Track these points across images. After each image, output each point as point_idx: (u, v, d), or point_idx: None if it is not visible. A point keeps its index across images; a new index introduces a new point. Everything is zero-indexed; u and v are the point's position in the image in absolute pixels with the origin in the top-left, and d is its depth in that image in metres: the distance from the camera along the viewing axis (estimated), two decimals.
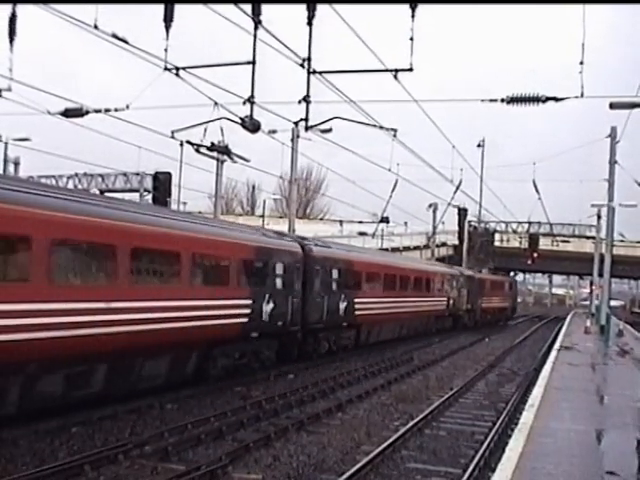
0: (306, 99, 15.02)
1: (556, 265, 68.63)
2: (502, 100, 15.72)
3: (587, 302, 69.97)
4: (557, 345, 27.53)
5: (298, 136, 27.68)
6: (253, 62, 14.40)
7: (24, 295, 10.99)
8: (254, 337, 18.46)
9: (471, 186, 51.85)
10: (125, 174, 33.85)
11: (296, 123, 18.42)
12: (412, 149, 23.73)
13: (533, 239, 55.48)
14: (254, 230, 20.82)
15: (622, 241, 58.14)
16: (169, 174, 26.68)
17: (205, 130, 19.93)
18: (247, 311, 17.82)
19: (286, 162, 29.66)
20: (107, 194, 27.15)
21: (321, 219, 76.82)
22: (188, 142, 20.29)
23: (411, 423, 13.77)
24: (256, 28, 13.73)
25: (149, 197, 30.21)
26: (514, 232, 62.75)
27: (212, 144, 20.74)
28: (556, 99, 15.69)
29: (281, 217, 60.36)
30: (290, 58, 14.54)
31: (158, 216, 15.21)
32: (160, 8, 13.35)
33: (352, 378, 19.93)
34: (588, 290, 69.95)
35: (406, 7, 13.32)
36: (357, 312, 25.27)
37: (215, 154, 22.45)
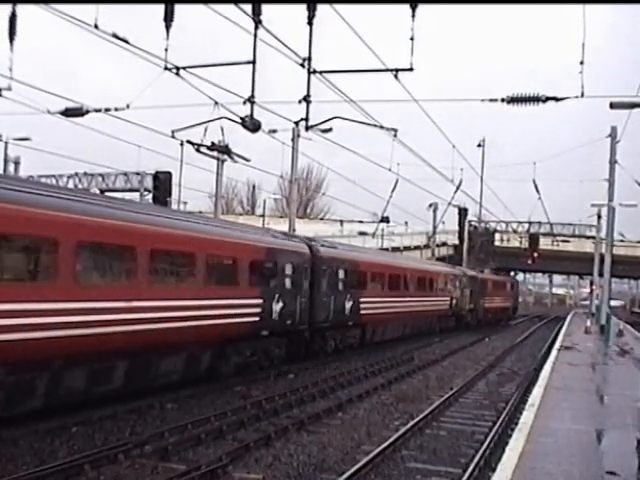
0: (306, 99, 15.02)
1: (556, 265, 68.65)
2: (502, 100, 15.71)
3: (587, 302, 69.95)
4: (557, 345, 27.54)
5: (298, 136, 27.68)
6: (253, 62, 14.39)
7: (52, 295, 11.50)
8: (264, 336, 18.96)
9: (471, 186, 51.98)
10: (125, 174, 33.81)
11: (296, 123, 18.41)
12: (412, 149, 23.75)
13: (533, 239, 55.48)
14: (264, 231, 21.47)
15: (622, 241, 58.14)
16: (169, 174, 26.69)
17: (205, 130, 19.95)
18: (258, 310, 18.35)
19: (286, 162, 29.70)
20: (108, 194, 27.19)
21: (321, 219, 76.82)
22: (188, 142, 20.30)
23: (411, 423, 13.77)
24: (256, 28, 13.73)
25: (149, 197, 30.20)
26: (514, 232, 62.74)
27: (212, 144, 20.74)
28: (556, 99, 15.69)
29: (281, 217, 60.35)
30: (290, 58, 14.54)
31: (175, 219, 15.76)
32: (160, 8, 13.36)
33: (352, 378, 19.93)
34: (588, 290, 69.96)
35: (406, 7, 13.32)
36: (362, 311, 25.70)
37: (215, 154, 22.45)
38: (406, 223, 58.04)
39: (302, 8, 13.78)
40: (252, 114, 15.40)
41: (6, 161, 32.85)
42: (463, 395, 18.35)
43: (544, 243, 57.35)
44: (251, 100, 14.92)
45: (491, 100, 16.24)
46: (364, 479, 10.32)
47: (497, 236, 62.56)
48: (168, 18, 13.31)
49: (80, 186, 34.03)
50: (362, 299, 25.64)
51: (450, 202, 47.73)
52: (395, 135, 20.95)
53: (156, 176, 26.91)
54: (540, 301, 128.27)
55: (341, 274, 24.14)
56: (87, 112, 19.92)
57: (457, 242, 56.20)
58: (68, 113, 20.05)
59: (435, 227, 52.73)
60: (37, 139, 30.92)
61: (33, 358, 11.26)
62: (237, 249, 17.50)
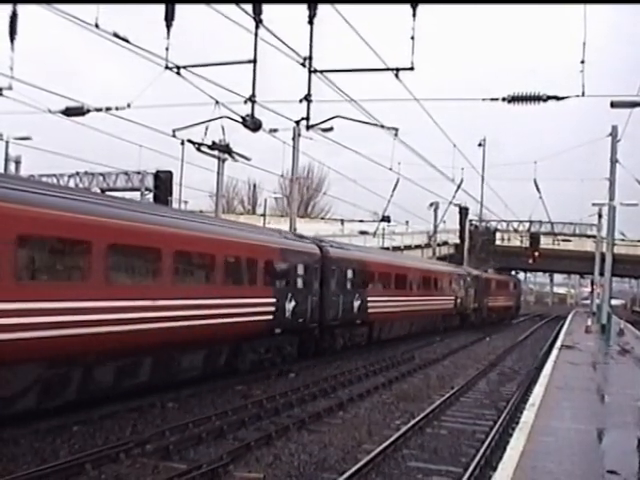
0: (307, 98, 15.02)
1: (557, 264, 68.61)
2: (503, 99, 15.71)
3: (588, 301, 69.99)
4: (558, 344, 27.54)
5: (299, 135, 27.66)
6: (254, 61, 14.39)
7: (86, 294, 12.19)
8: (278, 333, 19.69)
9: (472, 185, 51.94)
10: (126, 173, 33.75)
11: (297, 122, 18.39)
12: (413, 148, 23.73)
13: (534, 238, 55.45)
14: (276, 233, 21.94)
15: (623, 240, 58.03)
16: (170, 173, 26.69)
17: (206, 129, 19.94)
18: (272, 309, 19.08)
19: (287, 161, 29.67)
20: (108, 193, 27.18)
21: (322, 218, 76.82)
22: (189, 141, 20.29)
23: (412, 422, 13.78)
24: (257, 27, 13.73)
25: (150, 196, 30.19)
26: (515, 231, 62.67)
27: (213, 143, 20.73)
28: (557, 98, 15.68)
29: (282, 216, 60.33)
30: (291, 57, 14.54)
31: (197, 222, 16.67)
32: (161, 7, 13.36)
33: (353, 377, 19.95)
34: (589, 289, 69.96)
35: (407, 7, 13.32)
36: (370, 310, 26.35)
37: (216, 153, 22.43)
38: (407, 222, 58.01)
39: (303, 7, 13.78)
40: (253, 113, 15.40)
41: (7, 160, 32.84)
42: (464, 394, 18.36)
43: (545, 242, 57.32)
44: (252, 99, 14.93)
45: (492, 99, 16.24)
46: (365, 478, 10.32)
47: (498, 235, 62.51)
48: (169, 17, 13.32)
49: (81, 185, 34.01)
50: (369, 298, 26.28)
51: (451, 201, 47.75)
52: (396, 134, 20.96)
53: (157, 175, 26.92)
54: (541, 300, 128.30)
55: (349, 274, 24.84)
56: (88, 111, 19.91)
57: (458, 241, 56.15)
58: (69, 112, 20.05)
59: (436, 226, 52.71)
60: (38, 138, 30.96)
61: (69, 353, 11.94)
62: (254, 250, 18.27)
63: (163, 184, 26.25)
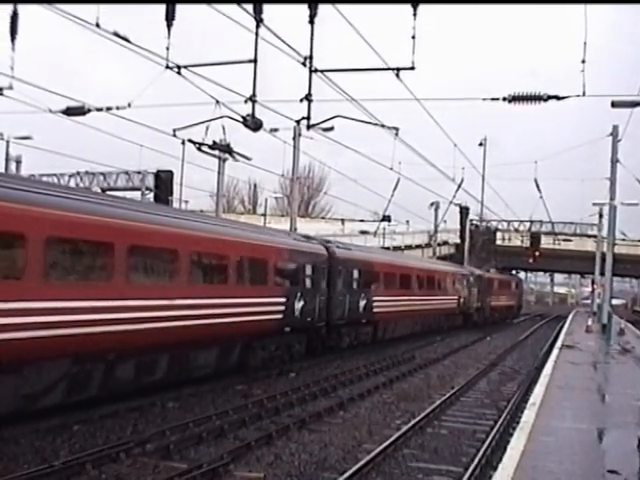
0: (308, 97, 15.00)
1: (558, 264, 68.56)
2: (504, 99, 15.70)
3: (589, 301, 69.95)
4: (559, 344, 27.53)
5: (300, 135, 27.66)
6: (255, 60, 14.37)
7: (109, 293, 12.73)
8: (287, 332, 20.27)
9: (473, 185, 51.97)
10: (127, 172, 33.75)
11: (298, 122, 18.36)
12: (414, 148, 23.68)
13: (535, 238, 55.46)
14: (286, 234, 22.80)
15: (624, 240, 57.99)
16: (171, 172, 26.69)
17: (207, 128, 19.92)
18: (282, 308, 19.66)
19: (288, 161, 29.66)
20: (109, 192, 27.16)
21: (323, 218, 76.79)
22: (190, 140, 20.27)
23: (413, 421, 13.78)
24: (258, 27, 13.71)
25: (151, 195, 30.19)
26: (516, 231, 62.61)
27: (214, 142, 20.71)
28: (558, 98, 15.67)
29: (282, 216, 60.33)
30: (292, 57, 14.52)
31: (211, 224, 17.46)
32: (162, 7, 13.34)
33: (353, 376, 19.95)
34: (590, 289, 69.94)
35: (408, 6, 13.30)
36: (375, 309, 26.81)
37: (217, 152, 22.43)
38: (407, 222, 57.99)
39: (304, 7, 13.77)
40: (253, 113, 15.38)
41: (7, 160, 32.85)
42: (464, 394, 18.36)
43: (545, 242, 57.32)
44: (252, 99, 14.91)
45: (493, 99, 16.22)
46: (365, 478, 10.32)
47: (498, 235, 62.52)
48: (169, 17, 13.31)
49: (81, 185, 34.01)
50: (374, 298, 26.76)
51: (451, 201, 47.78)
52: (396, 134, 20.91)
53: (157, 175, 26.93)
54: (541, 300, 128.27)
55: (355, 274, 25.36)
56: (89, 111, 19.90)
57: (458, 241, 56.16)
58: (69, 112, 20.03)
59: (436, 226, 52.71)
60: (38, 138, 30.93)
61: (92, 350, 12.46)
62: (265, 252, 18.90)
63: (164, 184, 26.27)
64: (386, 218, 47.77)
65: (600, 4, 29.20)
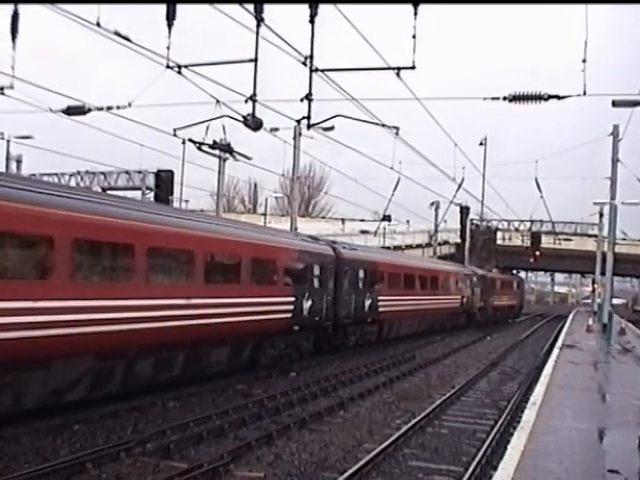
0: (308, 97, 14.99)
1: (558, 263, 68.49)
2: (504, 98, 15.69)
3: (589, 300, 69.89)
4: (559, 343, 27.53)
5: (300, 134, 27.65)
6: (255, 60, 14.36)
7: (130, 293, 13.29)
8: (296, 330, 20.78)
9: (473, 184, 51.98)
10: (127, 172, 33.78)
11: (298, 121, 18.35)
12: (414, 147, 23.67)
13: (535, 237, 55.42)
14: (294, 235, 23.51)
15: (624, 239, 57.98)
16: (171, 172, 26.69)
17: (207, 128, 19.91)
18: (291, 307, 20.27)
19: (288, 160, 29.68)
20: (109, 192, 27.16)
21: (323, 217, 76.74)
22: (190, 140, 20.26)
23: (413, 421, 13.78)
24: (258, 26, 13.70)
25: (151, 195, 30.20)
26: (516, 230, 62.57)
27: (214, 142, 20.70)
28: (558, 97, 15.65)
29: (283, 215, 60.27)
30: (292, 56, 14.51)
31: (225, 226, 18.05)
32: (162, 7, 13.33)
33: (354, 376, 19.94)
34: (590, 288, 69.88)
35: (408, 6, 13.29)
36: (380, 309, 27.36)
37: (217, 152, 22.42)
38: (408, 222, 57.95)
39: (304, 7, 13.76)
40: (254, 112, 15.38)
41: (8, 159, 32.87)
42: (465, 394, 18.35)
43: (546, 241, 57.30)
44: (253, 98, 14.90)
45: (493, 98, 16.21)
46: (366, 477, 10.32)
47: (499, 234, 62.54)
48: (170, 17, 13.30)
49: (82, 184, 34.03)
50: (379, 297, 27.28)
51: (452, 200, 47.76)
52: (397, 133, 20.90)
53: (158, 174, 26.94)
54: (542, 299, 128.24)
55: (361, 274, 25.89)
56: (89, 110, 19.90)
57: (459, 240, 56.14)
58: (70, 111, 20.04)
59: (437, 225, 52.69)
60: (39, 137, 30.96)
61: (115, 348, 13.02)
62: (276, 253, 19.56)
63: (164, 183, 26.28)
64: (386, 218, 47.79)
65: (600, 4, 29.19)
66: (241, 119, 16.05)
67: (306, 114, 15.66)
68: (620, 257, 42.50)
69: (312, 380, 18.72)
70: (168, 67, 14.83)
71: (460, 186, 42.40)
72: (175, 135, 19.92)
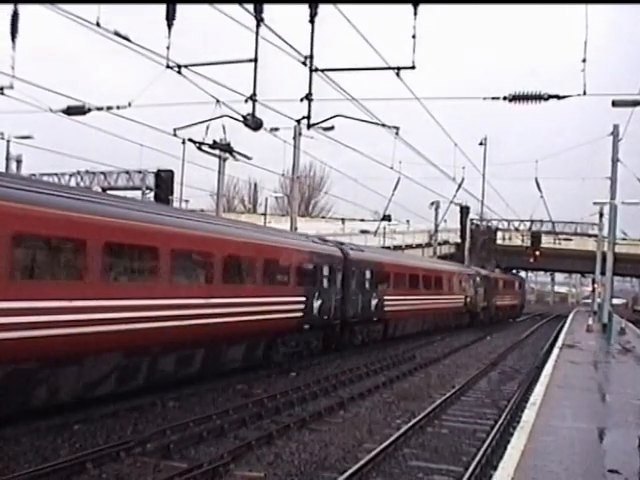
0: (308, 97, 14.98)
1: (558, 263, 68.48)
2: (504, 98, 15.67)
3: (589, 300, 69.88)
4: (559, 343, 27.52)
5: (300, 134, 27.66)
6: (255, 60, 14.34)
7: (155, 292, 14.02)
8: (306, 329, 21.54)
9: (473, 184, 51.97)
10: (127, 172, 33.75)
11: (298, 121, 18.33)
12: (414, 147, 23.66)
13: (535, 237, 55.42)
14: (304, 237, 24.12)
15: (624, 239, 57.93)
16: (171, 172, 26.70)
17: (207, 128, 19.86)
18: (302, 307, 21.09)
19: (288, 160, 29.72)
20: (109, 191, 27.14)
21: (323, 217, 76.72)
22: (190, 140, 20.24)
23: (413, 421, 13.78)
24: (258, 26, 13.69)
25: (151, 195, 30.18)
26: (516, 230, 62.56)
27: (214, 142, 20.67)
28: (558, 97, 15.64)
29: (283, 215, 60.27)
30: (292, 56, 14.49)
31: (240, 228, 18.77)
32: (162, 7, 13.32)
33: (354, 376, 19.95)
34: (590, 288, 69.87)
35: (408, 6, 13.28)
36: (386, 308, 28.10)
37: (217, 152, 22.42)
38: (408, 221, 57.95)
39: (304, 7, 13.74)
40: (254, 112, 15.36)
41: (8, 159, 32.86)
42: (465, 393, 18.36)
43: (546, 241, 57.30)
44: (253, 98, 14.89)
45: (493, 98, 16.19)
46: (366, 477, 10.32)
47: (499, 234, 62.54)
48: (170, 17, 13.28)
49: (82, 184, 34.01)
50: (385, 297, 28.02)
51: (452, 200, 47.79)
52: (397, 133, 20.88)
53: (158, 174, 26.95)
54: (542, 299, 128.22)
55: (368, 274, 26.57)
56: (89, 110, 19.89)
57: (459, 240, 56.15)
58: (70, 111, 20.02)
59: (437, 225, 52.69)
60: (39, 137, 30.93)
61: (140, 345, 13.76)
62: (288, 254, 20.21)
63: (164, 183, 26.29)
64: (386, 217, 47.80)
65: (600, 4, 29.16)
66: (241, 119, 16.02)
67: (306, 114, 15.64)
68: (620, 257, 42.48)
69: (312, 380, 18.72)
70: (168, 67, 14.82)
71: (460, 186, 42.44)
72: (175, 135, 19.90)
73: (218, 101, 17.70)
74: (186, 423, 12.65)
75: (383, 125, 19.92)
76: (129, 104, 18.16)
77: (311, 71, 14.75)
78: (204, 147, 20.49)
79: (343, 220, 62.17)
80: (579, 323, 43.49)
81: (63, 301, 11.64)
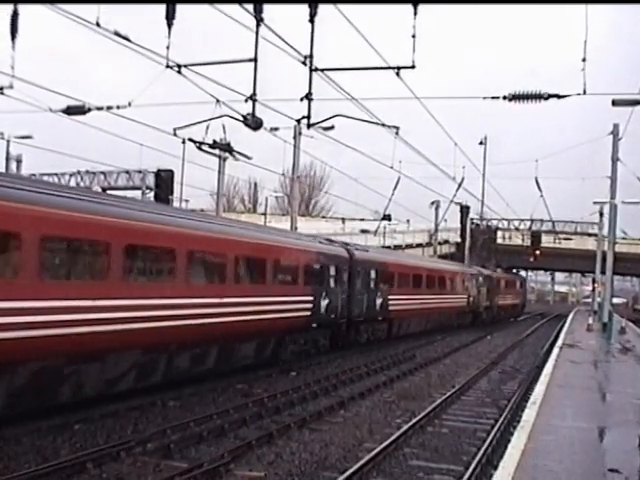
0: (308, 97, 14.99)
1: (558, 262, 68.48)
2: (504, 97, 15.68)
3: (589, 299, 69.85)
4: (559, 343, 27.53)
5: (300, 134, 27.66)
6: (255, 59, 14.35)
7: (172, 292, 14.52)
8: (314, 327, 22.10)
9: (473, 184, 51.82)
10: (127, 172, 33.74)
11: (298, 121, 18.33)
12: (414, 147, 23.67)
13: (535, 236, 55.44)
14: (312, 238, 24.69)
15: (624, 238, 57.93)
16: (171, 172, 26.71)
17: (207, 128, 19.85)
18: (310, 306, 21.60)
19: (288, 160, 29.74)
20: (109, 191, 27.14)
21: (323, 217, 76.71)
22: (190, 140, 20.24)
23: (413, 420, 13.78)
24: (258, 26, 13.69)
25: (151, 195, 30.18)
26: (516, 229, 62.53)
27: (214, 142, 20.67)
28: (558, 96, 15.65)
29: (283, 215, 60.26)
30: (292, 56, 14.50)
31: (252, 230, 19.42)
32: (162, 7, 13.32)
33: (354, 375, 19.95)
34: (590, 287, 69.82)
35: (408, 6, 13.29)
36: (390, 307, 28.59)
37: (217, 152, 22.42)
38: (408, 221, 57.92)
39: (304, 6, 13.75)
40: (254, 112, 15.36)
41: (8, 159, 32.86)
42: (465, 393, 18.36)
43: (546, 241, 57.34)
44: (253, 98, 14.89)
45: (493, 97, 16.20)
46: (366, 477, 10.32)
47: (499, 234, 62.56)
48: (170, 16, 13.29)
49: (82, 184, 34.00)
50: (390, 296, 28.49)
51: (452, 200, 47.86)
52: (397, 133, 20.89)
53: (158, 174, 26.96)
54: (542, 299, 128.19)
55: (373, 274, 27.10)
56: (89, 110, 19.88)
57: (459, 240, 56.15)
58: (70, 111, 20.01)
59: (437, 225, 52.68)
60: (39, 137, 30.92)
61: (158, 342, 14.27)
62: (297, 254, 20.86)
63: (164, 183, 26.30)
64: (386, 217, 47.79)
65: (600, 4, 29.18)
66: (241, 119, 16.03)
67: (306, 114, 15.65)
68: (620, 256, 42.46)
69: (312, 379, 18.73)
70: (168, 67, 14.82)
71: (460, 185, 42.47)
72: (175, 135, 19.90)
73: (218, 101, 17.70)
74: (186, 423, 12.65)
75: (383, 125, 19.93)
76: (129, 104, 18.16)
77: (311, 71, 14.75)
78: (204, 147, 20.48)
79: (343, 220, 62.20)
80: (579, 322, 43.50)
81: (88, 300, 12.18)
